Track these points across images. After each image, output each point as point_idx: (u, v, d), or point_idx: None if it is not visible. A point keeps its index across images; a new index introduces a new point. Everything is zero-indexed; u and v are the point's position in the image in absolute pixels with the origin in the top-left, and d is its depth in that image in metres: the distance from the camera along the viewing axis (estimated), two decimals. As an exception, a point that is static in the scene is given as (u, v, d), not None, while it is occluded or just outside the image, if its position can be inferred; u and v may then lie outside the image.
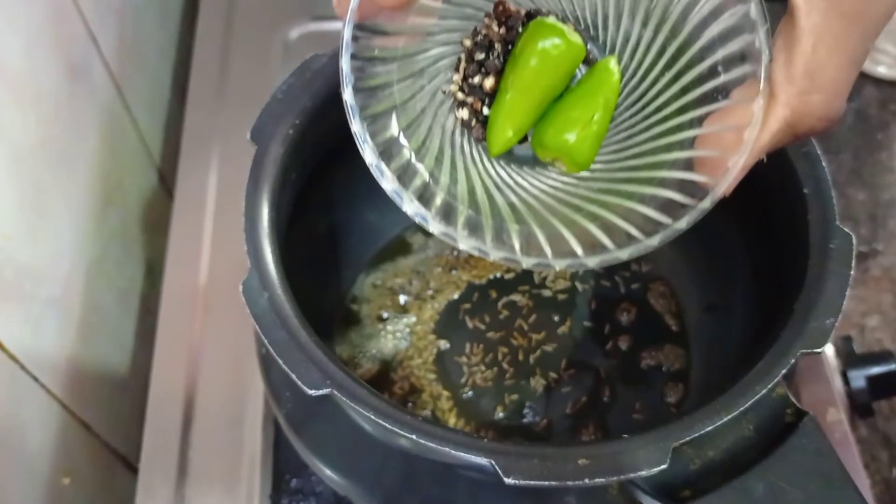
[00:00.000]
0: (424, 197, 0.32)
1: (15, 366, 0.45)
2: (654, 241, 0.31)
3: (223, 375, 0.54)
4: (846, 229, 0.36)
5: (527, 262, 0.31)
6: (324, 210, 0.49)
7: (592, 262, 0.31)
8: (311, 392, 0.32)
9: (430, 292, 0.51)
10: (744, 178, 0.30)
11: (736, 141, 0.29)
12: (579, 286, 0.51)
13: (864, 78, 0.74)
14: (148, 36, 0.69)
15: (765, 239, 0.43)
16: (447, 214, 0.32)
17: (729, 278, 0.47)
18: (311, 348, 0.34)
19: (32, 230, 0.48)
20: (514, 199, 0.34)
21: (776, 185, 0.39)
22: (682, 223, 0.30)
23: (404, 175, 0.32)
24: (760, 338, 0.37)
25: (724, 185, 0.30)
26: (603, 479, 0.31)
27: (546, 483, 0.30)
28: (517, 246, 0.32)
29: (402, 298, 0.51)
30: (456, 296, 0.51)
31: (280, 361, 0.33)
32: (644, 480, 0.33)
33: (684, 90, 0.33)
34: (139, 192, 0.65)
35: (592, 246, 0.31)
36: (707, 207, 0.30)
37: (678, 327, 0.50)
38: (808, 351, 0.34)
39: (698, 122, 0.32)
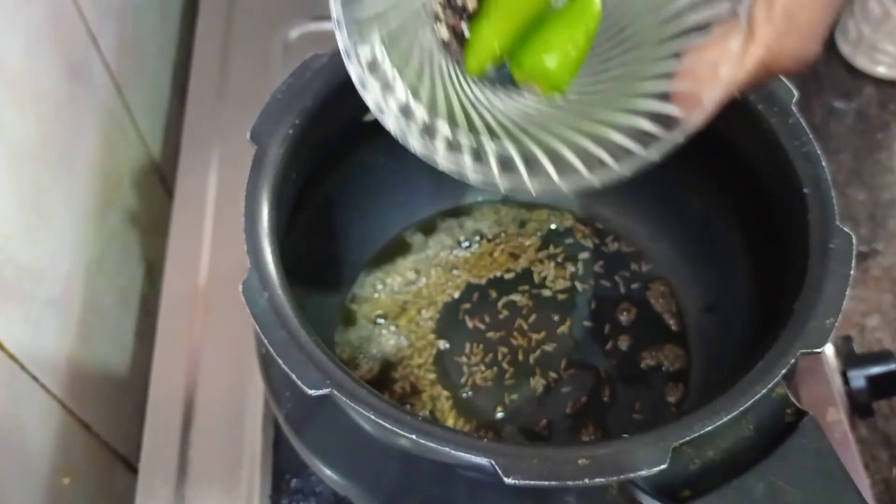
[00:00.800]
0: (405, 116, 0.32)
1: (15, 366, 0.45)
2: (625, 169, 0.31)
3: (223, 375, 0.54)
4: (846, 229, 0.36)
5: (503, 182, 0.32)
6: (324, 210, 0.49)
7: (565, 184, 0.32)
8: (311, 392, 0.32)
9: (429, 292, 0.51)
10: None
11: (712, 76, 0.30)
12: (579, 286, 0.51)
13: (864, 78, 0.73)
14: (148, 36, 0.69)
15: (765, 239, 0.43)
16: (428, 135, 0.32)
17: (729, 278, 0.47)
18: (311, 348, 0.34)
19: (32, 230, 0.48)
20: (490, 120, 0.35)
21: (776, 185, 0.39)
22: (654, 152, 0.31)
23: (386, 92, 0.32)
24: (760, 338, 0.37)
25: (697, 118, 0.30)
26: (603, 479, 0.31)
27: (546, 483, 0.30)
28: (494, 167, 0.32)
29: (402, 298, 0.51)
30: (456, 296, 0.51)
31: (280, 361, 0.33)
32: (644, 480, 0.33)
33: (664, 23, 0.33)
34: (139, 193, 0.65)
35: (566, 170, 0.32)
36: (679, 139, 0.31)
37: (678, 327, 0.50)
38: (808, 351, 0.34)
39: (676, 56, 0.32)
